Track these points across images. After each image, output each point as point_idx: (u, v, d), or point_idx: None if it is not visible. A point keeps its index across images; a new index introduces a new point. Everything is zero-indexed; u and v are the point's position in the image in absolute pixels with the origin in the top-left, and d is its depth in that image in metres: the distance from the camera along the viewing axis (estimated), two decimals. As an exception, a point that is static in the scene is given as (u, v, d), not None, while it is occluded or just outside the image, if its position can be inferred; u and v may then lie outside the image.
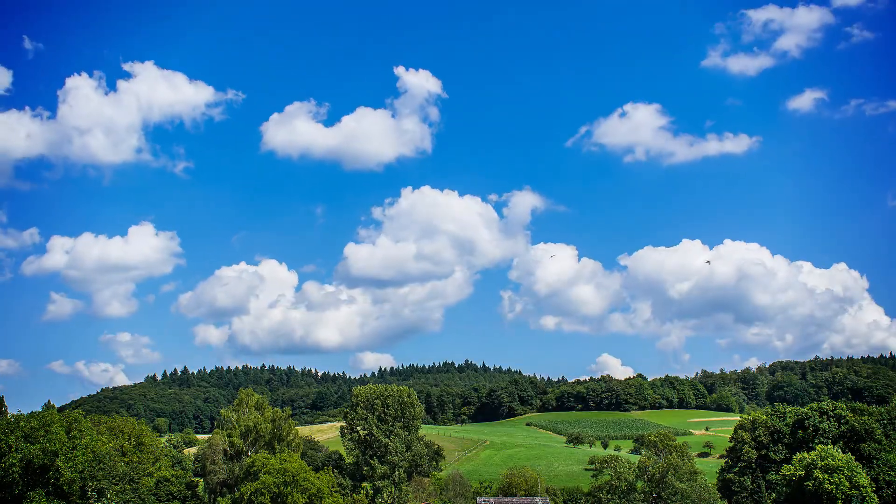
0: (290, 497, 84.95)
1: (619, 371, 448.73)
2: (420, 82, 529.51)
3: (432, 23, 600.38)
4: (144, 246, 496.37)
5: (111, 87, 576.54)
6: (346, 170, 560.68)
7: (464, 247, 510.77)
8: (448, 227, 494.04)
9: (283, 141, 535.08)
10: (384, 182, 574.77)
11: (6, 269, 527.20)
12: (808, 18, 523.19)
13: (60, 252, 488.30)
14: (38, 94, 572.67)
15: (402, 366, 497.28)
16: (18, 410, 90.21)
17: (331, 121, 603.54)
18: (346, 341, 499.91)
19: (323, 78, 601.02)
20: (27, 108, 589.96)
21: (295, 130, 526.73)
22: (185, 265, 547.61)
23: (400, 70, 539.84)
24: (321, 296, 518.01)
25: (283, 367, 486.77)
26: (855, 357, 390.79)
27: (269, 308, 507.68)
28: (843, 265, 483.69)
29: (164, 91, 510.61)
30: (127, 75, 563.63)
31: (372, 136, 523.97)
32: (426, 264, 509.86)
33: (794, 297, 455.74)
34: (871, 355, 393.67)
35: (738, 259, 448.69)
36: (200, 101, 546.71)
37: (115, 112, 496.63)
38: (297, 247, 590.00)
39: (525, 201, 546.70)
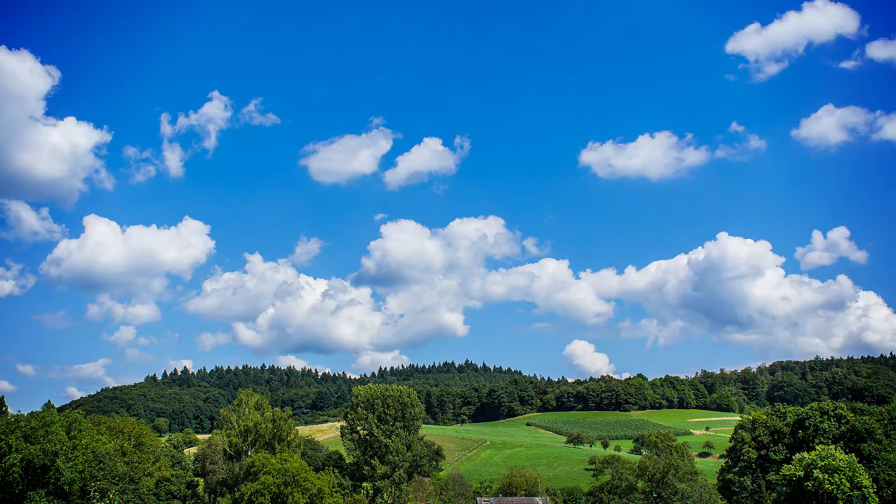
0: (290, 497, 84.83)
1: (591, 358, 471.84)
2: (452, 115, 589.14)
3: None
4: (184, 248, 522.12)
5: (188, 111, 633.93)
6: (387, 189, 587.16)
7: (481, 258, 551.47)
8: (467, 240, 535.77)
9: (331, 162, 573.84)
10: (422, 200, 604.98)
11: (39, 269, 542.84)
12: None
13: (91, 251, 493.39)
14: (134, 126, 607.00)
15: (403, 366, 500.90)
16: (19, 410, 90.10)
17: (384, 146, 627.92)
18: (361, 341, 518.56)
19: (381, 108, 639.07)
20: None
21: (342, 151, 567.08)
22: (218, 267, 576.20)
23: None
24: (342, 297, 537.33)
25: (284, 367, 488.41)
26: (855, 357, 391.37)
27: (296, 309, 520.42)
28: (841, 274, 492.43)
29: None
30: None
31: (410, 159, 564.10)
32: (445, 272, 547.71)
33: (787, 301, 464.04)
34: (871, 355, 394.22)
35: (732, 266, 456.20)
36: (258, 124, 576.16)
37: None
38: (329, 255, 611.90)
39: (536, 218, 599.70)
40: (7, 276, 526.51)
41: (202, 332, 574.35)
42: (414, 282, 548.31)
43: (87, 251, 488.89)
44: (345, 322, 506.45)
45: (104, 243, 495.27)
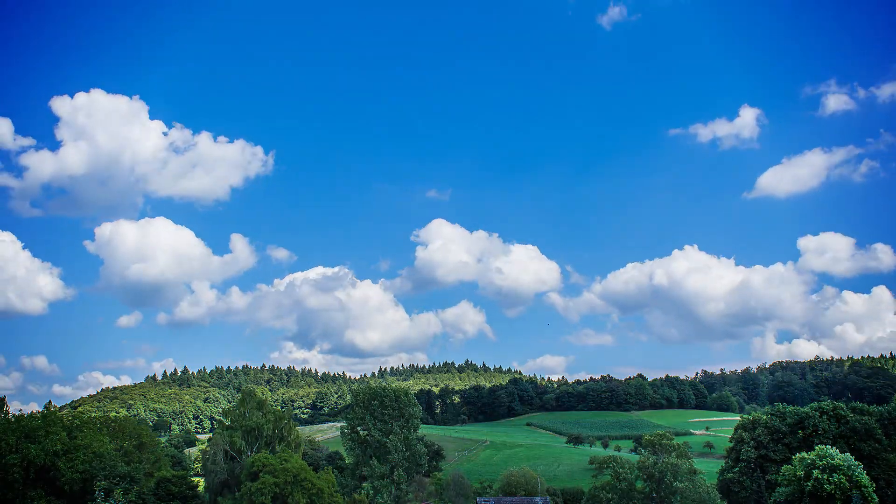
0: (291, 497, 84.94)
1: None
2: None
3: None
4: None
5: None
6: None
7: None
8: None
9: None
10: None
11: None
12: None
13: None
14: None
15: (403, 366, 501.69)
16: (20, 410, 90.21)
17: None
18: (383, 342, 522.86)
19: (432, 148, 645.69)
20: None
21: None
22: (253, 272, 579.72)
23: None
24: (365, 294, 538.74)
25: (284, 366, 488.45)
26: (855, 357, 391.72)
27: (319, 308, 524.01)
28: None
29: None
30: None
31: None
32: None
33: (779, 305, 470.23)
34: (871, 355, 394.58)
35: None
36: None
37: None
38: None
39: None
40: (72, 283, 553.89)
41: (205, 333, 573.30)
42: (441, 284, 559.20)
43: (140, 260, 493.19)
44: (370, 323, 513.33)
45: (161, 250, 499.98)
